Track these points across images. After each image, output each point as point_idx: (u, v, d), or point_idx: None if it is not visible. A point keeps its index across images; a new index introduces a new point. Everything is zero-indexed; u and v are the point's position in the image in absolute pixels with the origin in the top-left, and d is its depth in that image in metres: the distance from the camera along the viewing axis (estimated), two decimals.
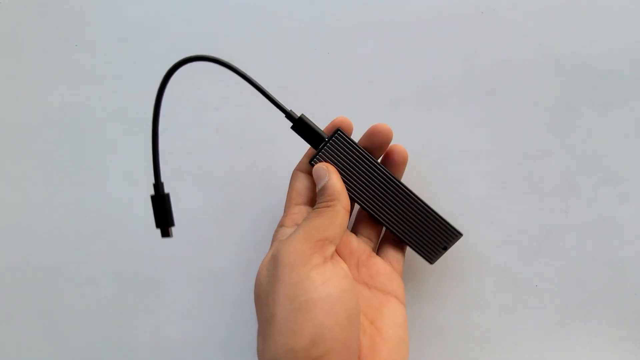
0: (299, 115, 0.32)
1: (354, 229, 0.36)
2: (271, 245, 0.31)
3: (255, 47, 0.42)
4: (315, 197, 0.32)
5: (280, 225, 0.32)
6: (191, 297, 0.40)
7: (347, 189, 0.32)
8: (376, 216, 0.33)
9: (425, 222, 0.34)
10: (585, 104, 0.40)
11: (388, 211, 0.33)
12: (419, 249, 0.34)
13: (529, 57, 0.40)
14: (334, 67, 0.42)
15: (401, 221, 0.34)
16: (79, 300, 0.41)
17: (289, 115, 0.32)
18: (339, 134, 0.32)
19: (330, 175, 0.31)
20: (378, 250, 0.36)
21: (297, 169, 0.33)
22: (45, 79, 0.43)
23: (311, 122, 0.32)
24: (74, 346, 0.40)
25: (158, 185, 0.31)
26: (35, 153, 0.42)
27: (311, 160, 0.32)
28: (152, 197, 0.30)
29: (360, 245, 0.34)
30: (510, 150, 0.40)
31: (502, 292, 0.39)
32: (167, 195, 0.31)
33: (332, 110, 0.39)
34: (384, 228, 0.36)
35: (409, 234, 0.34)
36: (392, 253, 0.35)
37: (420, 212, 0.34)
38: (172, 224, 0.30)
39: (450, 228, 0.34)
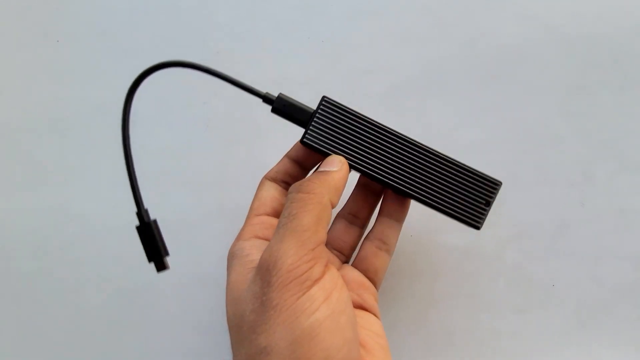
0: (276, 95, 0.29)
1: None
2: (229, 265, 0.28)
3: (246, 37, 0.41)
4: (281, 210, 0.30)
5: (238, 238, 0.29)
6: (180, 303, 0.39)
7: (353, 163, 0.29)
8: (398, 186, 0.29)
9: (454, 178, 0.29)
10: (599, 87, 0.38)
11: (409, 177, 0.29)
12: (458, 213, 0.29)
13: (536, 39, 0.39)
14: (329, 56, 0.40)
15: (427, 184, 0.29)
16: (63, 307, 0.39)
17: (266, 98, 0.29)
18: (326, 101, 0.29)
19: (342, 168, 0.28)
20: (359, 251, 0.32)
21: (266, 177, 0.31)
22: (26, 75, 0.42)
23: (291, 99, 0.30)
24: (58, 355, 0.39)
25: (141, 212, 0.28)
26: (15, 153, 0.41)
27: (302, 138, 0.29)
28: (138, 228, 0.28)
29: (330, 257, 0.32)
30: (519, 139, 0.38)
31: (515, 292, 0.37)
32: (154, 223, 0.28)
33: None
34: (362, 230, 0.32)
35: (440, 197, 0.29)
36: (376, 253, 0.31)
37: (446, 168, 0.29)
38: (165, 253, 0.27)
39: (485, 178, 0.29)
